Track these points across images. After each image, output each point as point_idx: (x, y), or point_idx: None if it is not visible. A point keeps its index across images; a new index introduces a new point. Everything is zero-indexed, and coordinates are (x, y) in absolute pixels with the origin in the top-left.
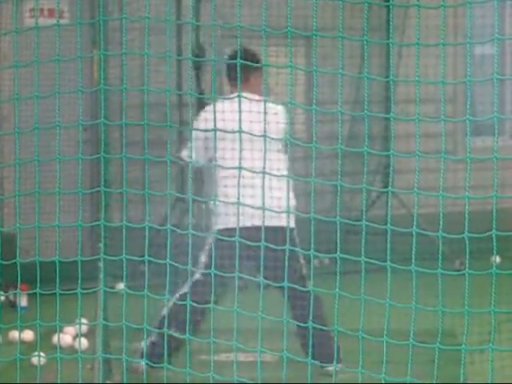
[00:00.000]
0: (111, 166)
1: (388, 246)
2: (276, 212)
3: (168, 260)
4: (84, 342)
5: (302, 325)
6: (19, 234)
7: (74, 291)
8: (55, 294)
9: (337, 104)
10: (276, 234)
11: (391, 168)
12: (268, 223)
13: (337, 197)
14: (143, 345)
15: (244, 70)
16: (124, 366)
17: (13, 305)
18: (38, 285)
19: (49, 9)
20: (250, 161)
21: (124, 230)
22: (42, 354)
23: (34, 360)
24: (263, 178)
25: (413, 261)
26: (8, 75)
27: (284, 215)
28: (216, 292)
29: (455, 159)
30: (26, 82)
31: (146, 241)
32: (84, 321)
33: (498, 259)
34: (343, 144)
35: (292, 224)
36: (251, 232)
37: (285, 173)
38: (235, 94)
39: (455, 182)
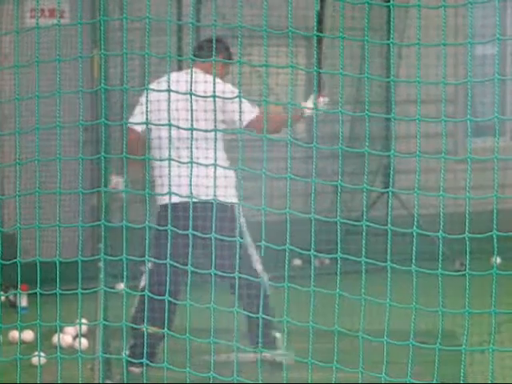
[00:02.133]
0: (111, 166)
1: (388, 246)
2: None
3: (168, 260)
4: (84, 342)
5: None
6: (19, 233)
7: (74, 291)
8: (55, 294)
9: (337, 104)
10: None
11: (392, 168)
12: (196, 199)
13: (337, 197)
14: (124, 353)
15: (210, 55)
16: (124, 366)
17: (13, 305)
18: (38, 285)
19: (49, 9)
20: (175, 150)
21: (124, 231)
22: (42, 354)
23: (34, 360)
24: (191, 167)
25: (413, 261)
26: (9, 75)
27: (221, 194)
28: (179, 281)
29: (456, 159)
30: (26, 81)
31: (146, 241)
32: (84, 321)
33: (498, 260)
34: (344, 144)
35: (228, 200)
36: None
37: (218, 162)
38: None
39: (456, 183)
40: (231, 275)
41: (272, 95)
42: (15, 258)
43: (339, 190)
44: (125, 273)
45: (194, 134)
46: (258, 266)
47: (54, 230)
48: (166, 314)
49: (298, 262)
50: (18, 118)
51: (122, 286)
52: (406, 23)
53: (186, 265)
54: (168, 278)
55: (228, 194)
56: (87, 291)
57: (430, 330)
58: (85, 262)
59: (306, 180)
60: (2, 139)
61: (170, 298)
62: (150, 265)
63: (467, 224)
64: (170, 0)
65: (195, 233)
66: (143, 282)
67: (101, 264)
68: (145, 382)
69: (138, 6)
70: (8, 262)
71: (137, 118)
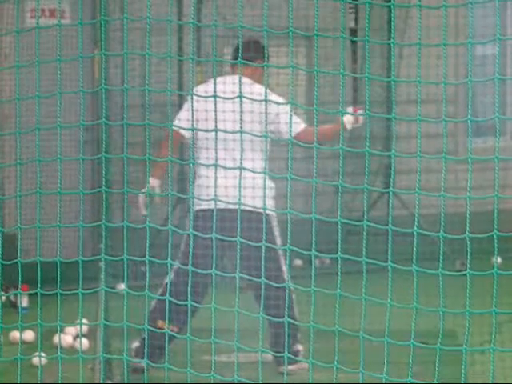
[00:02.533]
0: (112, 166)
1: (389, 246)
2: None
3: (169, 260)
4: (85, 342)
5: (274, 320)
6: (20, 234)
7: (75, 291)
8: (56, 294)
9: (338, 104)
10: (249, 217)
11: (392, 168)
12: (224, 207)
13: (338, 197)
14: (135, 345)
15: (247, 58)
16: (125, 366)
17: (14, 305)
18: (39, 285)
19: (50, 9)
20: (222, 160)
21: (125, 231)
22: (42, 354)
23: (35, 360)
24: (240, 176)
25: (414, 261)
26: (9, 75)
27: (255, 200)
28: (203, 285)
29: (456, 160)
30: (27, 82)
31: (147, 241)
32: (85, 321)
33: (499, 260)
34: (344, 144)
35: (268, 211)
36: (224, 213)
37: (248, 163)
38: (231, 78)
39: (456, 183)
40: (257, 280)
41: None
42: (16, 258)
43: (340, 190)
44: (125, 273)
45: (227, 136)
46: (285, 276)
47: (55, 230)
48: (189, 316)
49: (298, 262)
50: (18, 118)
51: (122, 286)
52: (407, 23)
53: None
54: (194, 281)
55: (256, 196)
56: (88, 291)
57: (430, 330)
58: (85, 262)
59: (307, 180)
60: (2, 139)
61: (193, 303)
62: (176, 263)
63: (468, 224)
64: (171, 0)
65: (240, 240)
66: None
67: (101, 264)
68: (146, 382)
69: (138, 6)
70: (9, 263)
71: (183, 123)
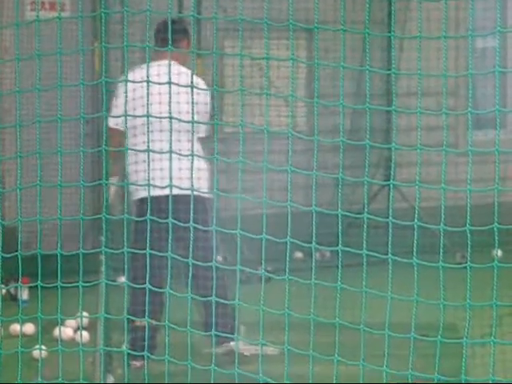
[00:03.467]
0: (113, 158)
1: (389, 239)
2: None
3: (169, 253)
4: (85, 335)
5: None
6: (20, 227)
7: (76, 284)
8: (56, 287)
9: (338, 97)
10: (182, 202)
11: (393, 161)
12: (179, 192)
13: (338, 190)
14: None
15: (170, 39)
16: (125, 359)
17: (14, 298)
18: (39, 278)
19: (50, 2)
20: (158, 142)
21: (125, 223)
22: (43, 347)
23: (35, 353)
24: (170, 159)
25: (414, 254)
26: (9, 68)
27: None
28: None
29: (457, 152)
30: (27, 74)
31: (148, 234)
32: (85, 314)
33: (499, 252)
34: (345, 137)
35: (201, 194)
36: (161, 200)
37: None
38: (156, 62)
39: (457, 175)
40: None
41: (273, 88)
42: (16, 250)
43: (340, 182)
44: (126, 266)
45: (178, 126)
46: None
47: (55, 223)
48: (151, 306)
49: (299, 254)
50: (18, 111)
51: (122, 279)
52: (407, 16)
53: (165, 257)
54: (148, 270)
55: (201, 187)
56: (88, 284)
57: (431, 323)
58: (86, 255)
59: (307, 173)
60: (2, 132)
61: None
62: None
63: (468, 217)
64: None
65: (174, 222)
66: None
67: (102, 257)
68: (146, 375)
69: None
70: (9, 255)
71: (114, 112)
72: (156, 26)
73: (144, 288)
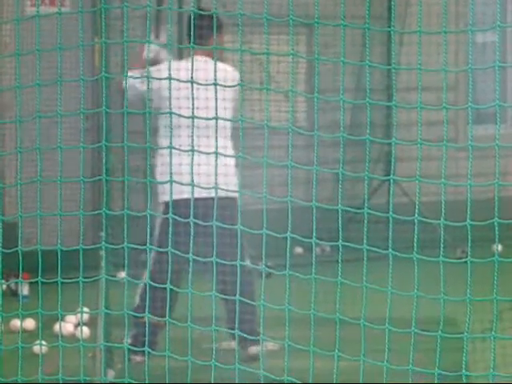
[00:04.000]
0: (113, 154)
1: (390, 233)
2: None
3: (170, 248)
4: (85, 330)
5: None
6: (21, 222)
7: (76, 280)
8: (57, 282)
9: (338, 92)
10: (211, 205)
11: (393, 156)
12: (197, 195)
13: (338, 185)
14: (125, 341)
15: (203, 32)
16: (126, 355)
17: (14, 293)
18: (40, 273)
19: None
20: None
21: (125, 219)
22: (43, 342)
23: (36, 349)
24: (192, 155)
25: (414, 249)
26: (9, 64)
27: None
28: (181, 271)
29: (457, 147)
30: (27, 70)
31: (148, 229)
32: (85, 309)
33: (499, 247)
34: (345, 132)
35: (230, 194)
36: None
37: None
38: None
39: (457, 170)
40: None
41: (273, 83)
42: (16, 246)
43: (340, 177)
44: (126, 261)
45: (199, 122)
46: (247, 260)
47: (56, 219)
48: (168, 304)
49: (299, 249)
50: (18, 107)
51: (123, 274)
52: (407, 11)
53: (187, 253)
54: (170, 268)
55: (229, 184)
56: (88, 280)
57: (431, 318)
58: (86, 251)
59: (307, 168)
60: (3, 127)
61: (172, 287)
62: (152, 256)
63: (468, 211)
64: None
65: (197, 221)
66: (145, 272)
67: (102, 252)
68: (146, 370)
69: None
70: (9, 251)
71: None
72: (187, 22)
73: (162, 288)
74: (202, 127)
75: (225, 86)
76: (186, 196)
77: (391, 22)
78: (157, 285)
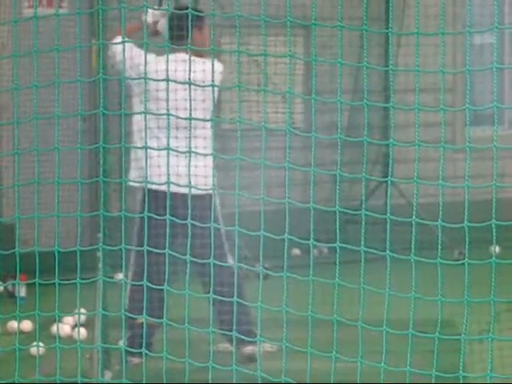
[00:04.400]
0: (110, 155)
1: (387, 235)
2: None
3: (167, 250)
4: (83, 331)
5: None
6: (18, 223)
7: (73, 281)
8: (54, 284)
9: (336, 93)
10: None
11: (390, 157)
12: (176, 190)
13: (336, 186)
14: (122, 343)
15: (184, 29)
16: (123, 356)
17: (11, 295)
18: (37, 275)
19: None
20: (174, 140)
21: (123, 220)
22: (40, 344)
23: (33, 350)
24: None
25: (412, 250)
26: (7, 65)
27: (201, 186)
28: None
29: (455, 149)
30: (24, 71)
31: (145, 230)
32: (83, 311)
33: (497, 249)
34: (342, 133)
35: (206, 192)
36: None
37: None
38: (173, 56)
39: (455, 172)
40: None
41: (270, 84)
42: (14, 247)
43: (338, 179)
44: (123, 262)
45: (192, 123)
46: (230, 259)
47: (53, 220)
48: (155, 304)
49: (296, 251)
50: (16, 108)
51: (120, 275)
52: (405, 12)
53: (169, 254)
54: (151, 268)
55: (207, 184)
56: (86, 281)
57: (429, 320)
58: (83, 252)
59: (305, 169)
60: (0, 129)
61: (154, 286)
62: (132, 256)
63: (466, 213)
64: None
65: (173, 220)
66: (130, 272)
67: (99, 254)
68: (144, 371)
69: None
70: (7, 252)
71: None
72: (169, 19)
73: (144, 285)
74: (181, 128)
75: (200, 86)
76: (163, 188)
77: (389, 24)
78: (137, 284)
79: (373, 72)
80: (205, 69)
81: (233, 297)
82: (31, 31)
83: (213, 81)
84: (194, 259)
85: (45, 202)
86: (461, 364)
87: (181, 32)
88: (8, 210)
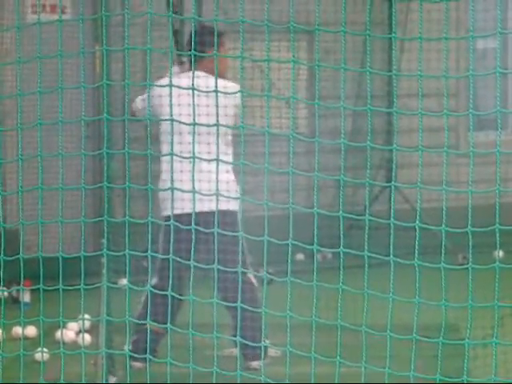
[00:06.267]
0: (114, 161)
1: (391, 240)
2: (205, 195)
3: (171, 255)
4: (87, 337)
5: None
6: (22, 229)
7: (77, 287)
8: (58, 289)
9: (339, 98)
10: (217, 217)
11: (394, 162)
12: (200, 209)
13: (340, 191)
14: (126, 348)
15: (201, 49)
16: (127, 361)
17: (16, 301)
18: (41, 280)
19: (51, 4)
20: (206, 154)
21: (127, 226)
22: (45, 349)
23: (37, 356)
24: (193, 162)
25: (416, 255)
26: (10, 71)
27: (223, 199)
28: (183, 282)
29: (458, 153)
30: (28, 77)
31: (149, 236)
32: (87, 316)
33: (501, 253)
34: (346, 139)
35: (231, 207)
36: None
37: (221, 157)
38: (190, 73)
39: (458, 177)
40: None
41: (274, 90)
42: (18, 253)
43: (341, 184)
44: (127, 268)
45: (208, 135)
46: (251, 277)
47: (57, 226)
48: (170, 311)
49: (300, 256)
50: (19, 114)
51: (124, 281)
52: (408, 17)
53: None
54: (172, 275)
55: (231, 190)
56: (90, 287)
57: (433, 324)
58: (87, 258)
59: (309, 174)
60: (4, 135)
61: (176, 295)
62: (157, 265)
63: (470, 218)
64: None
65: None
66: (154, 279)
67: (103, 259)
68: (148, 377)
69: (139, 1)
70: (11, 258)
71: (139, 103)
72: (187, 38)
73: (164, 296)
74: (204, 133)
75: (226, 93)
76: (187, 211)
77: (392, 29)
78: (160, 292)
79: (376, 77)
80: (208, 86)
81: (247, 303)
82: (35, 37)
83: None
84: (216, 275)
85: (49, 208)
86: (465, 368)
87: (202, 49)
88: (12, 215)
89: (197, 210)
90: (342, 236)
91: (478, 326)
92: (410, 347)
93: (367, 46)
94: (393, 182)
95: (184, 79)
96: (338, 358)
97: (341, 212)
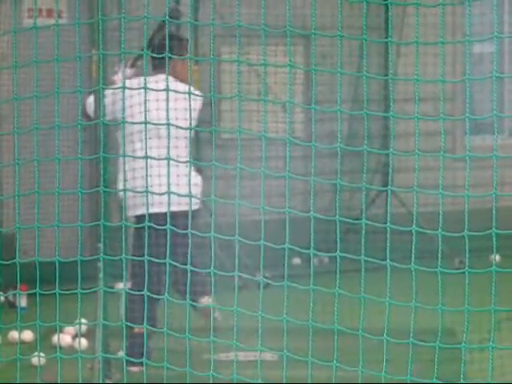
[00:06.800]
0: (110, 165)
1: (387, 244)
2: (182, 195)
3: (167, 259)
4: (84, 341)
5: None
6: (18, 234)
7: (74, 291)
8: (55, 294)
9: (335, 103)
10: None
11: (390, 167)
12: (177, 208)
13: (336, 196)
14: (122, 354)
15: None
16: (124, 366)
17: (12, 305)
18: (38, 285)
19: (47, 9)
20: (156, 149)
21: (123, 230)
22: (41, 354)
23: (34, 360)
24: (168, 165)
25: (412, 259)
26: (7, 75)
27: (192, 200)
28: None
29: (454, 157)
30: (24, 81)
31: (146, 240)
32: (84, 321)
33: (497, 257)
34: (342, 143)
35: (195, 206)
36: (159, 218)
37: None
38: (156, 77)
39: (454, 181)
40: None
41: (270, 94)
42: (14, 258)
43: (338, 188)
44: (124, 272)
45: (175, 133)
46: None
47: (54, 230)
48: (148, 313)
49: (297, 260)
50: (16, 118)
51: (121, 285)
52: (404, 21)
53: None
54: (148, 279)
55: (197, 195)
56: (86, 291)
57: (429, 328)
58: (84, 262)
59: (305, 179)
60: (0, 139)
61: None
62: (130, 270)
63: (466, 222)
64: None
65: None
66: (128, 283)
67: (100, 264)
68: (145, 381)
69: (135, 5)
70: (7, 262)
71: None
72: (149, 44)
73: (142, 295)
74: (172, 137)
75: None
76: (155, 210)
77: (388, 33)
78: (136, 292)
79: (373, 81)
80: (185, 85)
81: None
82: (31, 41)
83: (190, 118)
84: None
85: (45, 212)
86: (461, 373)
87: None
88: (8, 220)
89: (162, 210)
90: (338, 240)
91: (475, 330)
92: (407, 351)
93: (364, 51)
94: (389, 186)
95: (152, 83)
96: (335, 362)
97: (337, 216)
